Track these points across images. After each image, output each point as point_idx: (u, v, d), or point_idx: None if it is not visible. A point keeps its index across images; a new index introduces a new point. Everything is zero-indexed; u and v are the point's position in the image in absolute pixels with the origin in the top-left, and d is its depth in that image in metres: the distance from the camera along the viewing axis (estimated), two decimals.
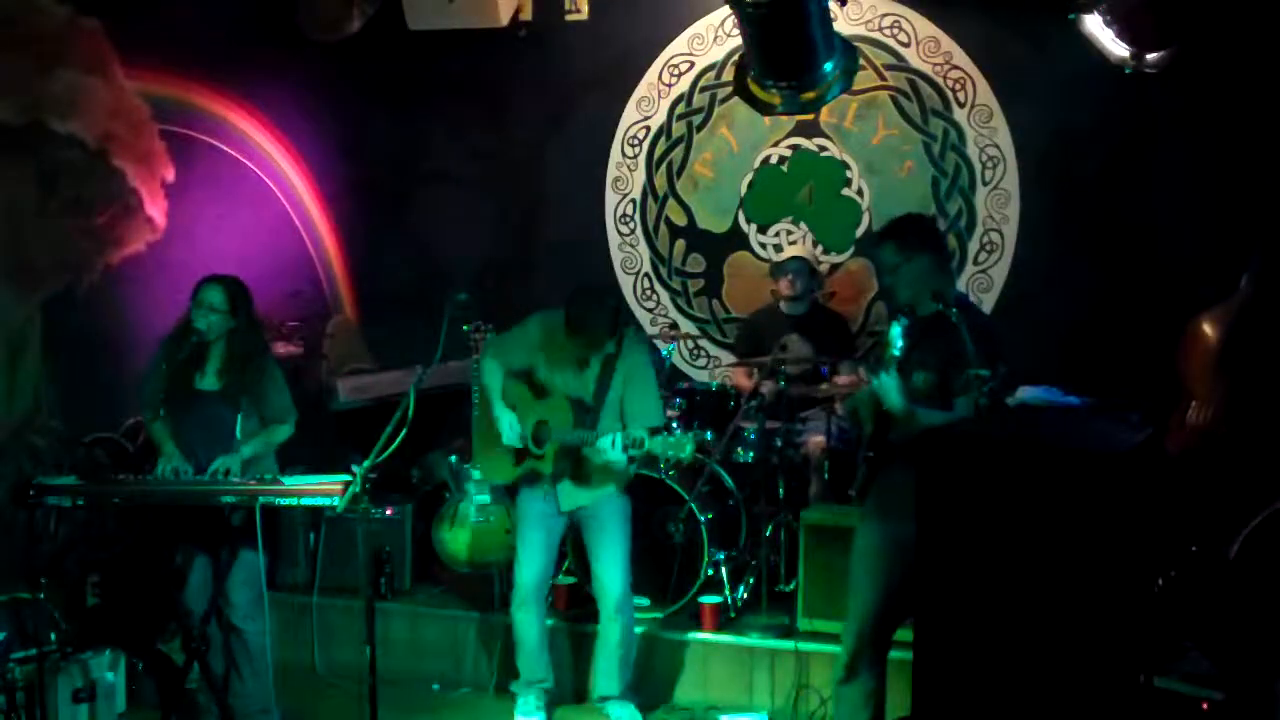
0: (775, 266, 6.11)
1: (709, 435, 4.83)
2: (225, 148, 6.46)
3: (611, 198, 6.97)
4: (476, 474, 5.30)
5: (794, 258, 5.99)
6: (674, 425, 5.28)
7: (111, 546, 5.50)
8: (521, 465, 4.74)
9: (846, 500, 5.08)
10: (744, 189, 6.72)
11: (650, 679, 5.11)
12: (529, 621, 4.83)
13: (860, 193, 6.52)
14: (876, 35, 6.40)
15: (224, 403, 4.51)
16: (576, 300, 4.55)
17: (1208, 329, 4.68)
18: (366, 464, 3.93)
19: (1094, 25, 4.80)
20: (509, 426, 4.66)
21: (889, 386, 3.73)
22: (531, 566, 4.80)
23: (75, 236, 5.52)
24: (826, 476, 5.52)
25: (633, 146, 6.90)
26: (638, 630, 5.07)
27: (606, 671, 4.80)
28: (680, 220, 6.86)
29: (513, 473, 4.78)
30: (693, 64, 6.77)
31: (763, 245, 6.69)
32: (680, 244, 6.88)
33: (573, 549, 5.18)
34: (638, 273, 6.96)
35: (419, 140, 7.14)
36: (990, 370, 3.46)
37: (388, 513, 5.70)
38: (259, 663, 4.53)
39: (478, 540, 5.49)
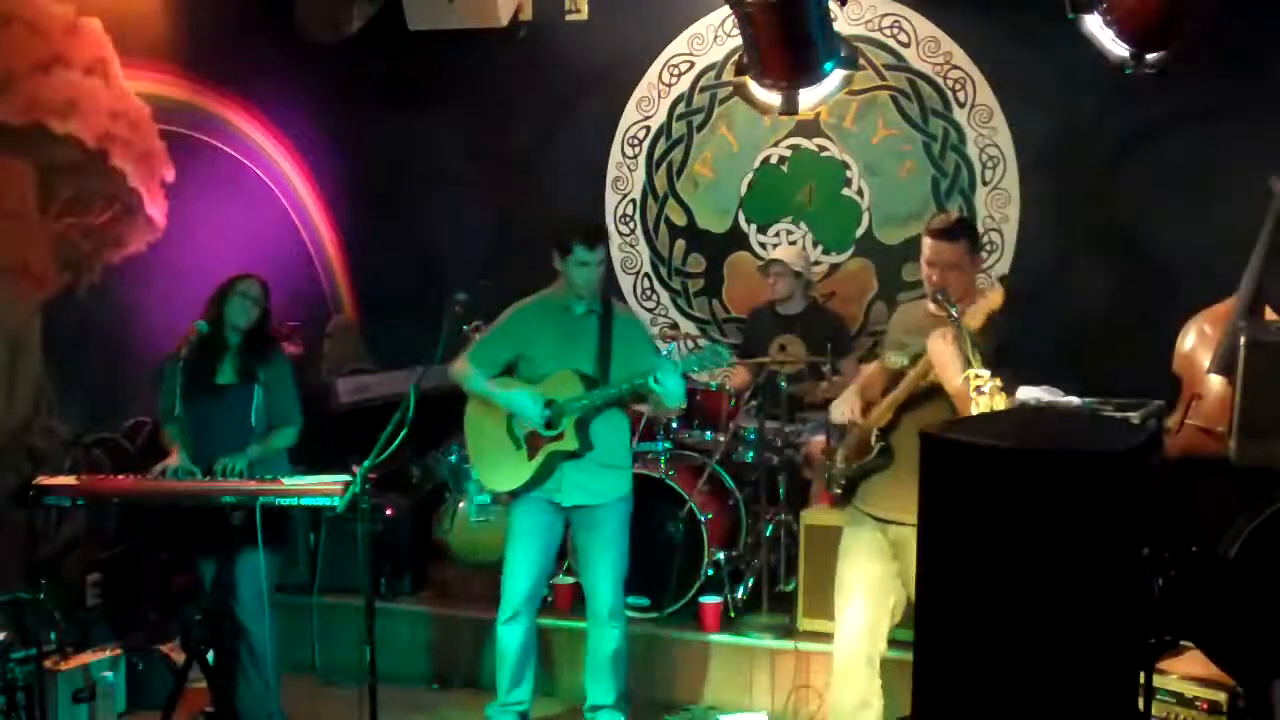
0: (760, 269, 6.11)
1: (728, 354, 4.45)
2: (225, 148, 6.46)
3: (611, 198, 6.97)
4: (483, 497, 5.22)
5: (773, 260, 5.98)
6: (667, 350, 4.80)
7: (111, 546, 5.50)
8: (538, 455, 4.46)
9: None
10: (744, 189, 6.72)
11: (650, 679, 5.11)
12: (515, 636, 4.59)
13: (860, 193, 6.53)
14: (876, 35, 6.41)
15: (242, 391, 4.56)
16: (575, 218, 4.64)
17: (1208, 329, 4.67)
18: (366, 464, 3.93)
19: (1094, 25, 4.79)
20: (531, 401, 4.41)
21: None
22: (526, 579, 4.57)
23: (75, 236, 5.52)
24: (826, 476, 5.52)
25: (633, 146, 6.90)
26: (638, 631, 5.06)
27: (599, 680, 4.63)
28: (680, 220, 6.86)
29: (529, 469, 4.48)
30: (693, 64, 6.77)
31: (763, 245, 6.69)
32: (680, 244, 6.88)
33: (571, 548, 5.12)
34: (638, 273, 6.96)
35: (419, 140, 7.14)
36: (990, 370, 3.46)
37: (388, 513, 5.70)
38: (263, 664, 4.54)
39: (478, 540, 5.49)
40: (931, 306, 3.91)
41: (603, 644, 4.60)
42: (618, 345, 4.51)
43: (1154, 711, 3.60)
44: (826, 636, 4.87)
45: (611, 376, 4.46)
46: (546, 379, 4.47)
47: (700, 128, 6.79)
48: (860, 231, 6.54)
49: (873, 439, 3.93)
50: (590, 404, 4.39)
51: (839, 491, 4.10)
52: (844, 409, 4.10)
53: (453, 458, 5.81)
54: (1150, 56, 4.70)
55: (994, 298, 3.65)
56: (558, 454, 4.45)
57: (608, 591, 4.56)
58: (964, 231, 3.94)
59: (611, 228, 6.94)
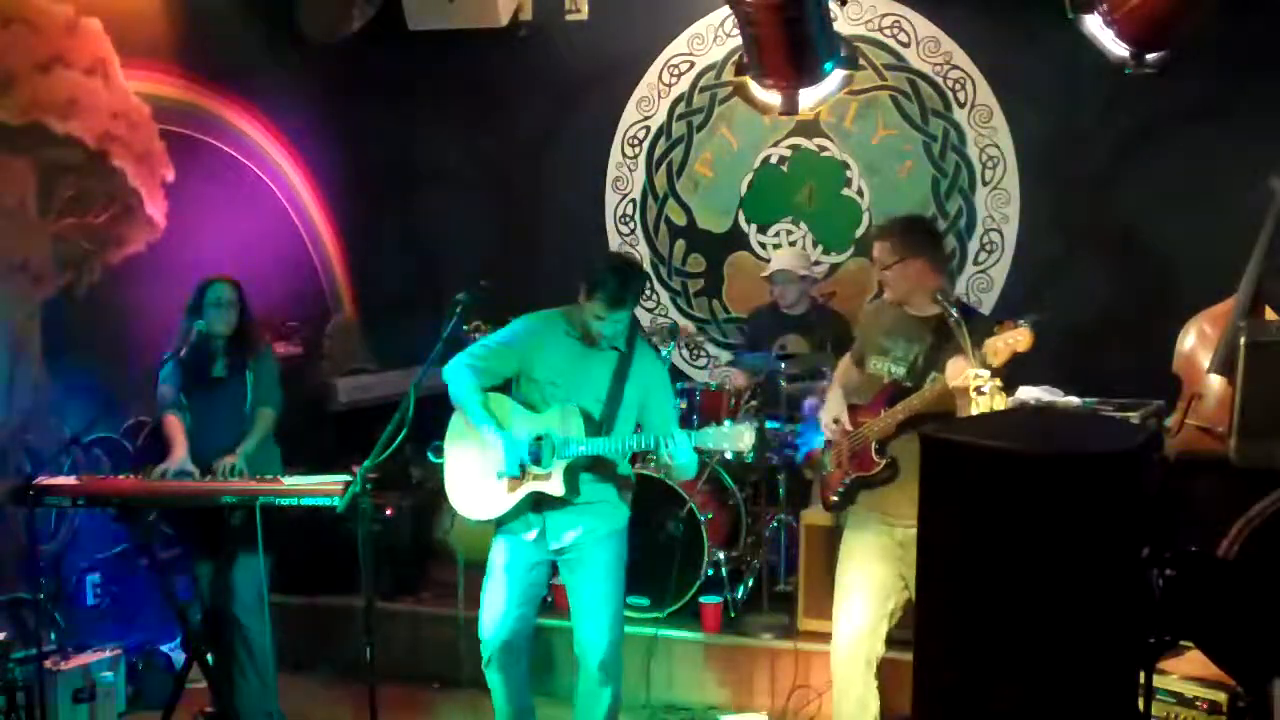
0: (765, 280, 6.11)
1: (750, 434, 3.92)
2: (225, 148, 6.45)
3: (611, 198, 6.97)
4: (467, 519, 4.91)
5: (778, 270, 5.95)
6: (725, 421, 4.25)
7: (111, 547, 5.50)
8: (520, 491, 4.01)
9: None
10: (744, 189, 6.72)
11: (650, 679, 5.11)
12: (504, 684, 4.19)
13: (860, 193, 6.53)
14: (876, 35, 6.41)
15: (235, 384, 4.72)
16: (616, 269, 3.96)
17: (1208, 329, 4.67)
18: (366, 464, 3.93)
19: (1094, 25, 4.79)
20: (518, 442, 3.95)
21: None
22: (505, 624, 4.10)
23: (75, 236, 5.51)
24: None
25: (633, 146, 6.90)
26: (638, 630, 5.06)
27: None
28: (680, 220, 6.86)
29: (505, 502, 4.05)
30: (693, 64, 6.77)
31: (763, 245, 6.69)
32: (680, 244, 6.88)
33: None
34: None
35: (419, 140, 7.14)
36: (989, 371, 3.47)
37: (388, 513, 5.70)
38: (261, 663, 4.55)
39: (478, 540, 5.47)
40: (922, 309, 3.92)
41: (593, 703, 4.13)
42: (631, 392, 4.03)
43: (1154, 711, 3.59)
44: (826, 636, 4.85)
45: (617, 425, 4.00)
46: (548, 410, 4.01)
47: (700, 128, 6.78)
48: (860, 231, 6.54)
49: (874, 453, 3.91)
50: (587, 452, 3.94)
51: (835, 499, 4.07)
52: (831, 419, 4.08)
53: None
54: (1150, 56, 4.70)
55: (1021, 338, 3.47)
56: (539, 495, 4.01)
57: (599, 642, 4.06)
58: (892, 231, 3.95)
59: (611, 228, 6.95)
